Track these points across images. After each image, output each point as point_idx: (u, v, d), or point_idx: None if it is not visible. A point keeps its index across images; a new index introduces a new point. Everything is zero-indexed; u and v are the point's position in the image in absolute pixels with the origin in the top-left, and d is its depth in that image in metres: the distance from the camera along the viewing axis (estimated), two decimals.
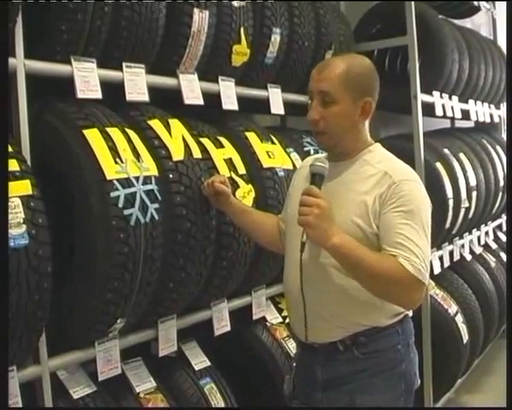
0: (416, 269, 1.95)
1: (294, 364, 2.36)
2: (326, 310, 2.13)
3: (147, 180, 2.14)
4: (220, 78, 2.75)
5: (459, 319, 4.31)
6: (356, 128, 2.15)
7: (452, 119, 5.15)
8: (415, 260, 1.95)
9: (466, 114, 4.91)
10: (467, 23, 5.98)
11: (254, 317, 2.90)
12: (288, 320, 3.06)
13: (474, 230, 5.01)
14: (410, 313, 2.26)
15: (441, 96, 4.37)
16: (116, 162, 2.07)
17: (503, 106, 5.88)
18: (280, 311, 3.12)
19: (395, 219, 2.00)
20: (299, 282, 2.13)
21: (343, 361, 2.15)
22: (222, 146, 2.62)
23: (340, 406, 2.16)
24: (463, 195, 4.33)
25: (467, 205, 4.39)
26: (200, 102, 2.62)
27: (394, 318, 2.16)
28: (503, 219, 5.76)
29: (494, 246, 5.50)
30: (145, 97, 2.38)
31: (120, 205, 2.03)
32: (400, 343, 2.16)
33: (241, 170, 2.61)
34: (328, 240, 1.97)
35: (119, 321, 2.15)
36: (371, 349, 2.13)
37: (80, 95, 2.15)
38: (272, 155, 2.80)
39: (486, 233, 5.32)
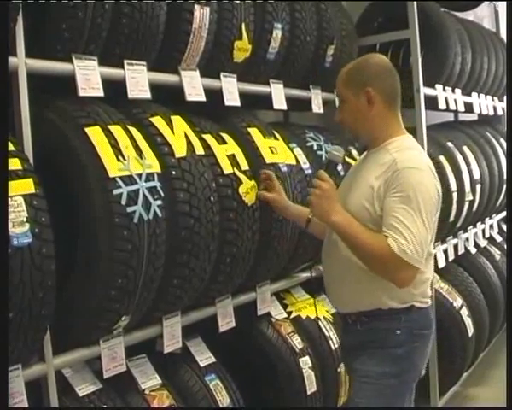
0: (401, 250, 2.15)
1: None
2: (337, 282, 2.45)
3: (149, 177, 2.14)
4: (222, 74, 2.75)
5: (464, 312, 4.31)
6: (369, 118, 2.37)
7: (455, 112, 5.14)
8: (402, 242, 2.16)
9: (469, 107, 4.90)
10: (469, 15, 5.97)
11: (259, 313, 2.91)
12: (292, 316, 3.08)
13: (479, 223, 5.00)
14: (424, 305, 2.39)
15: (444, 90, 4.36)
16: (118, 160, 2.07)
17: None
18: (285, 307, 3.12)
19: (393, 203, 2.21)
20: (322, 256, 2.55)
21: (352, 332, 2.45)
22: (224, 142, 2.61)
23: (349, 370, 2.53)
24: (467, 188, 4.32)
25: (471, 198, 4.38)
26: (202, 98, 2.61)
27: (399, 303, 2.33)
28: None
29: (499, 239, 5.49)
30: (147, 94, 2.38)
31: (123, 202, 2.03)
32: (400, 330, 2.33)
33: (244, 166, 2.61)
34: (328, 217, 2.27)
35: (123, 318, 2.15)
36: (371, 327, 2.37)
37: (82, 93, 2.15)
38: (275, 151, 2.80)
39: (491, 226, 5.31)
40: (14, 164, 1.81)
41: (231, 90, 2.77)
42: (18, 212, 1.75)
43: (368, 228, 2.26)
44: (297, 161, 2.99)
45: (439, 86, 4.28)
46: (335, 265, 2.43)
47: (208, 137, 2.56)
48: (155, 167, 2.19)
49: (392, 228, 2.18)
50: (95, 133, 2.08)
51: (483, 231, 5.10)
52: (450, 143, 4.38)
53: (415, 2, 3.88)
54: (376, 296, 2.33)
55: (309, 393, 2.93)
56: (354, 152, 3.40)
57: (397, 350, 2.33)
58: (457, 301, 4.31)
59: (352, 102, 2.37)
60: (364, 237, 2.22)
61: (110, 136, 2.11)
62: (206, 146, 2.51)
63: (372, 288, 2.32)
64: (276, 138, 2.91)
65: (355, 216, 2.28)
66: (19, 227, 1.74)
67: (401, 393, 2.39)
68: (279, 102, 3.10)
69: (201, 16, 2.50)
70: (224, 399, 2.59)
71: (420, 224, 2.18)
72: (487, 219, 5.21)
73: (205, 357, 2.67)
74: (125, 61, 2.31)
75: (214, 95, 2.70)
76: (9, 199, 1.74)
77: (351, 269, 2.34)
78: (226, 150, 2.59)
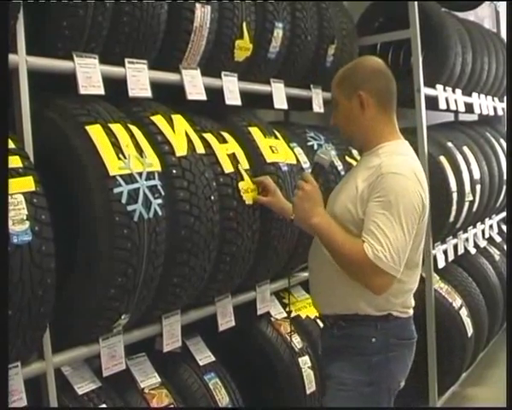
0: (377, 256, 2.11)
1: None
2: (318, 283, 2.44)
3: (150, 176, 2.13)
4: (223, 73, 2.75)
5: (464, 312, 4.30)
6: (362, 122, 2.34)
7: (456, 112, 5.14)
8: (377, 248, 2.12)
9: (469, 108, 4.89)
10: (470, 16, 5.96)
11: (259, 312, 2.90)
12: (292, 315, 3.07)
13: (479, 223, 5.00)
14: (403, 315, 2.34)
15: (445, 90, 4.36)
16: (119, 158, 2.07)
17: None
18: (284, 306, 3.11)
19: (374, 207, 2.17)
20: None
21: (329, 336, 2.43)
22: (225, 141, 2.61)
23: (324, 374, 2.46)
24: (467, 188, 4.32)
25: (471, 198, 4.38)
26: (203, 97, 2.61)
27: (376, 311, 2.29)
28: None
29: (498, 239, 5.48)
30: (148, 93, 2.38)
31: (123, 201, 2.03)
32: (376, 337, 2.29)
33: (245, 165, 2.61)
34: (309, 219, 2.26)
35: (123, 317, 2.15)
36: (347, 332, 2.34)
37: (82, 91, 2.15)
38: (276, 150, 2.80)
39: (491, 226, 5.31)
40: (15, 162, 1.81)
41: (232, 89, 2.77)
42: (18, 210, 1.75)
43: (348, 231, 2.23)
44: (297, 160, 2.99)
45: (439, 86, 4.27)
46: (318, 266, 2.42)
47: (209, 136, 2.56)
48: (156, 166, 2.19)
49: (369, 233, 2.14)
50: (95, 131, 2.08)
51: (483, 231, 5.09)
52: (450, 144, 4.38)
53: (416, 2, 3.88)
54: (354, 301, 2.29)
55: (308, 392, 2.93)
56: (355, 151, 3.39)
57: (372, 358, 2.29)
58: (457, 302, 4.30)
59: (345, 105, 2.34)
60: (341, 240, 2.19)
61: (111, 134, 2.10)
62: (207, 145, 2.51)
63: (350, 292, 2.28)
64: (276, 138, 2.90)
65: (339, 218, 2.26)
66: (19, 225, 1.74)
67: (376, 402, 2.32)
68: (280, 102, 3.10)
69: (202, 15, 2.50)
70: (223, 398, 2.59)
71: (399, 231, 2.14)
72: (487, 219, 5.20)
73: (204, 356, 2.67)
74: (126, 60, 2.31)
75: (215, 94, 2.69)
76: (9, 197, 1.74)
77: (331, 271, 2.30)
78: (227, 149, 2.58)
